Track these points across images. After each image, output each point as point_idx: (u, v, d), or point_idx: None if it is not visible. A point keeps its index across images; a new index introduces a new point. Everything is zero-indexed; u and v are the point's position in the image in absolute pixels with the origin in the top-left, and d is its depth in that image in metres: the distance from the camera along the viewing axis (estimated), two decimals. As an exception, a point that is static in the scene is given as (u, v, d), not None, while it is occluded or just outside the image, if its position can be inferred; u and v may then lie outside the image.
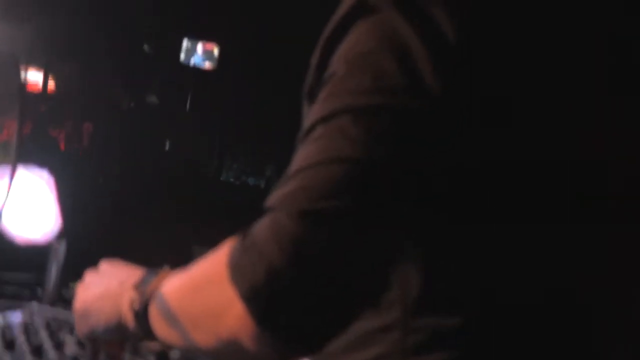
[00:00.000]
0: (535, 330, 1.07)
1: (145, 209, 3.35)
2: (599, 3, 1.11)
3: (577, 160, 1.06)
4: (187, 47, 4.06)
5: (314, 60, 1.04)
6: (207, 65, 4.21)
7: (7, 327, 1.87)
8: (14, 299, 2.14)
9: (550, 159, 1.04)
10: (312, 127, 0.99)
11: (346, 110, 0.97)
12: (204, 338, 1.12)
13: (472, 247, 1.05)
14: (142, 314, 1.20)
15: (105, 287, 1.36)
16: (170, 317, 1.20)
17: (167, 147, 4.23)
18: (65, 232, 2.33)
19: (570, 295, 1.09)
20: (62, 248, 2.18)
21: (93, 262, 1.50)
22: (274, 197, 1.00)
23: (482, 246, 1.05)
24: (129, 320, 1.22)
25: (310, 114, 1.01)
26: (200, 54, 4.11)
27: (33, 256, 2.31)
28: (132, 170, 4.06)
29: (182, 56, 4.07)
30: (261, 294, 0.96)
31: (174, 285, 1.17)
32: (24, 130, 3.93)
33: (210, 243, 1.19)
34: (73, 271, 2.07)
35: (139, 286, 1.23)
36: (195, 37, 4.11)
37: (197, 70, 4.26)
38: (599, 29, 1.10)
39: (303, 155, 1.01)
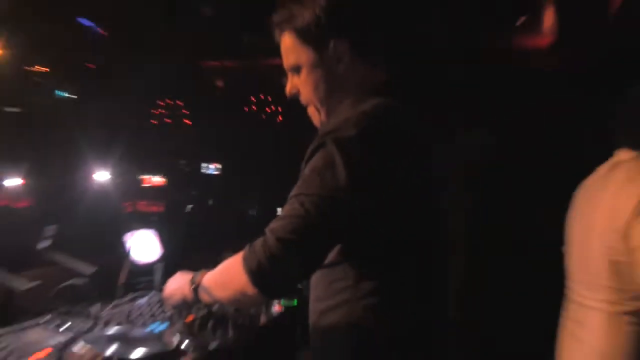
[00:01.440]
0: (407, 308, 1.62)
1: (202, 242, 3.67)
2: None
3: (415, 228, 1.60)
4: (205, 165, 5.26)
5: (302, 166, 1.55)
6: (216, 173, 5.32)
7: (140, 304, 2.53)
8: (143, 289, 2.81)
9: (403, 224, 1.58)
10: (290, 197, 1.52)
11: (304, 194, 1.49)
12: (227, 294, 1.65)
13: (383, 266, 1.58)
14: (195, 292, 1.78)
15: (177, 284, 1.92)
16: (207, 291, 1.75)
17: (210, 202, 4.95)
18: (163, 258, 3.00)
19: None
20: (161, 265, 2.86)
21: (174, 271, 2.16)
22: (269, 227, 1.54)
23: (390, 267, 1.59)
24: (189, 296, 1.81)
25: (292, 190, 1.53)
26: (212, 168, 5.32)
27: (149, 269, 2.87)
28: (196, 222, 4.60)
29: (203, 171, 5.22)
30: (254, 272, 1.51)
31: (210, 276, 1.75)
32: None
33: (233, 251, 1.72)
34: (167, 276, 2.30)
35: (192, 280, 1.80)
36: (208, 161, 5.27)
37: (210, 176, 5.30)
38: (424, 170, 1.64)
39: (284, 210, 1.52)
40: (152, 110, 5.77)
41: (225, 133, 5.81)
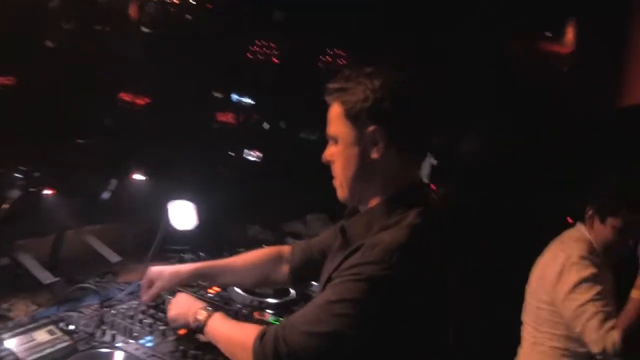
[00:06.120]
0: None
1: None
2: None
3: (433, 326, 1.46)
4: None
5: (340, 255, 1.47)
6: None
7: (143, 308, 2.18)
8: (175, 259, 2.69)
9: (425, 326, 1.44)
10: (319, 306, 1.39)
11: (326, 320, 1.35)
12: (226, 351, 1.56)
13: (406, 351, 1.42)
14: (201, 326, 1.68)
15: (182, 310, 1.79)
16: (213, 339, 1.65)
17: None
18: (199, 225, 2.79)
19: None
20: (197, 232, 2.74)
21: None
22: (286, 327, 1.39)
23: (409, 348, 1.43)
24: (193, 324, 1.71)
25: (324, 296, 1.40)
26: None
27: (186, 235, 2.74)
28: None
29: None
30: None
31: (218, 331, 1.62)
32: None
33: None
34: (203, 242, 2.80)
35: (196, 317, 1.67)
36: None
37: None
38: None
39: (307, 311, 1.41)
40: (249, 46, 5.35)
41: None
